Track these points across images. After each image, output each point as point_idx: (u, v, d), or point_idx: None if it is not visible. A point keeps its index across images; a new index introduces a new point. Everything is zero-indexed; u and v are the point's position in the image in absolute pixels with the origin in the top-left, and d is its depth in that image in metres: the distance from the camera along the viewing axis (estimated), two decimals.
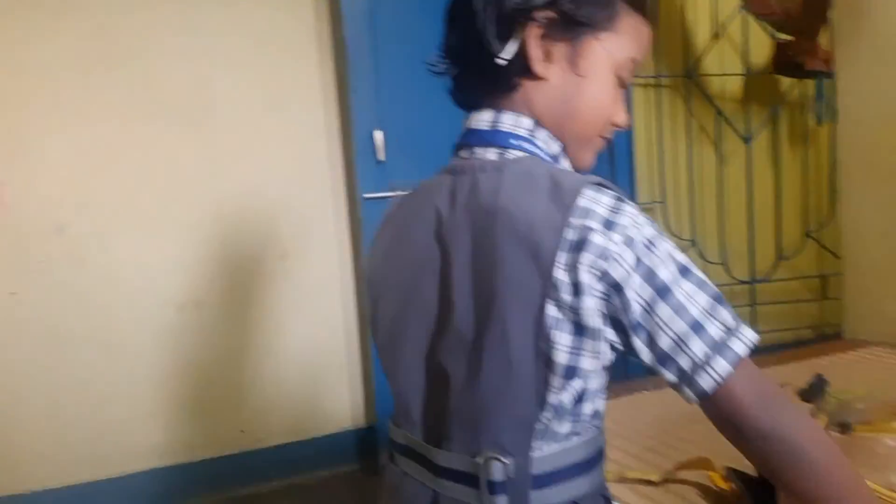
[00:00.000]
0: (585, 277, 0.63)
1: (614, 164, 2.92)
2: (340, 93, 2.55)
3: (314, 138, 2.55)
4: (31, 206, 2.19)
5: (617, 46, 0.74)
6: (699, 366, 0.63)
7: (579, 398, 0.69)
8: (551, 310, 0.65)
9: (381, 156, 2.46)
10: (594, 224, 0.64)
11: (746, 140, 3.19)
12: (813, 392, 1.25)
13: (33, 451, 2.22)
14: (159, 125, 2.32)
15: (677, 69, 3.07)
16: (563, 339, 0.66)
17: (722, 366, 0.63)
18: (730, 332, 0.64)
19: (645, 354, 0.65)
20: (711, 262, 3.18)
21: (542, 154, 0.75)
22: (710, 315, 0.64)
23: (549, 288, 0.64)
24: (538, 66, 0.73)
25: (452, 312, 0.70)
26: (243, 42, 2.43)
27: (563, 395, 0.68)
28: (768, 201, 3.29)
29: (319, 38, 2.53)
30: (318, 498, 2.42)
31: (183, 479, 2.38)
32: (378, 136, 2.45)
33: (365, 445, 2.62)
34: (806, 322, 3.30)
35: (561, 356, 0.66)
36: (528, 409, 0.67)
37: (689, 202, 3.16)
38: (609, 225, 0.64)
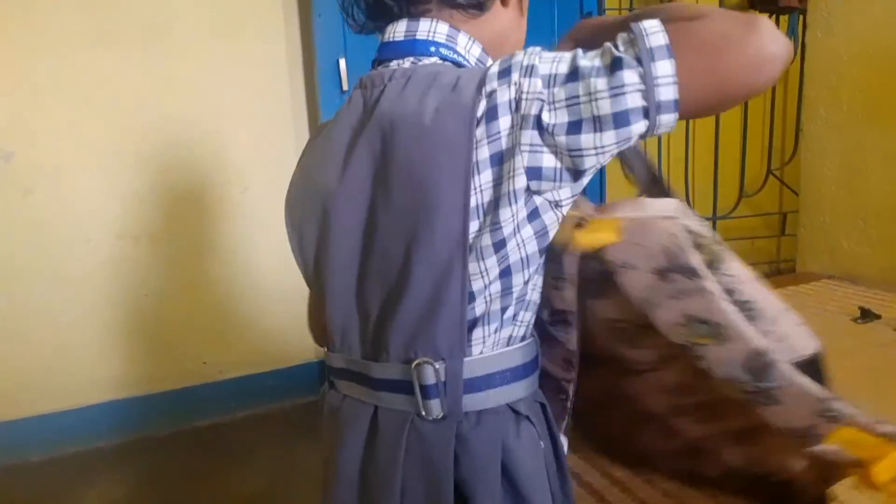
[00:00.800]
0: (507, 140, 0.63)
1: None
2: (303, 17, 2.44)
3: (275, 64, 2.45)
4: None
5: None
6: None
7: (508, 291, 0.69)
8: (474, 192, 0.64)
9: (347, 86, 2.38)
10: (496, 82, 0.63)
11: None
12: None
13: None
14: (109, 49, 2.20)
15: (650, 1, 3.00)
16: (492, 218, 0.64)
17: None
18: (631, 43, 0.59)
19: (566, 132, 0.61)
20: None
21: (462, 60, 0.73)
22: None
23: (469, 165, 0.63)
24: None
25: (376, 227, 0.70)
26: None
27: (490, 285, 0.67)
28: (735, 139, 3.30)
29: None
30: (279, 427, 2.44)
31: (143, 411, 2.38)
32: (343, 64, 2.36)
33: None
34: (764, 258, 3.38)
35: (485, 238, 0.65)
36: (456, 306, 0.67)
37: (656, 140, 3.15)
38: (505, 73, 0.63)
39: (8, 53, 2.09)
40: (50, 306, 2.24)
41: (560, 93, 0.60)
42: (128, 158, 2.28)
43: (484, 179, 0.64)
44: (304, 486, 1.95)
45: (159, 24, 2.26)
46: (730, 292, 0.71)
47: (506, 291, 0.69)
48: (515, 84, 0.62)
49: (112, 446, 2.31)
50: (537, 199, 0.64)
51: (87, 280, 2.28)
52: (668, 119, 0.60)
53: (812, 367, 0.74)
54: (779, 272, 3.28)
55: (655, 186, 0.91)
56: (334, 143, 0.74)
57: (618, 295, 0.72)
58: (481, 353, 0.71)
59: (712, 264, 0.71)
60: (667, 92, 0.58)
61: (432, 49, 0.72)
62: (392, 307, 0.70)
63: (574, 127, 0.60)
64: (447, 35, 0.73)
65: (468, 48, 0.74)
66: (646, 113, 0.59)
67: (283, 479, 2.08)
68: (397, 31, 0.74)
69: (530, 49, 0.65)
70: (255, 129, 2.44)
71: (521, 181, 0.62)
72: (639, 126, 0.60)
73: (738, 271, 0.73)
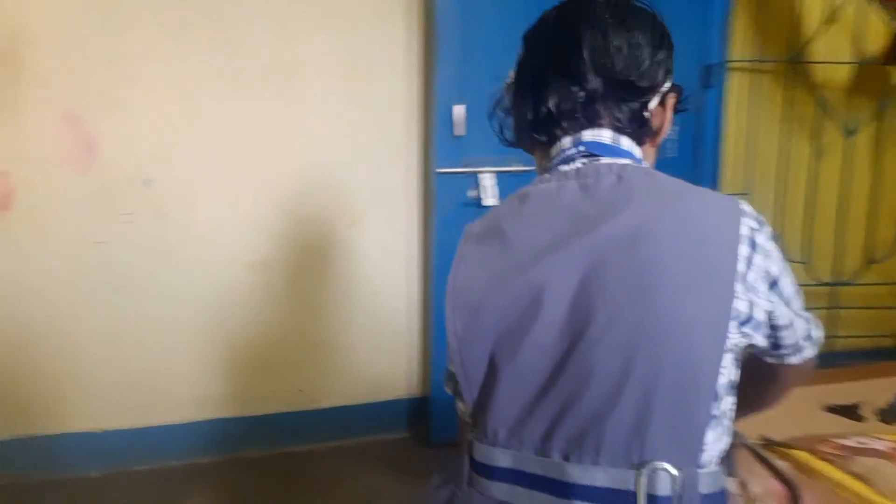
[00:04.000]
0: (755, 272, 0.70)
1: (699, 150, 2.78)
2: (425, 62, 2.50)
3: (393, 107, 2.52)
4: (121, 161, 2.27)
5: None
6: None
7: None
8: (735, 302, 0.68)
9: (460, 131, 2.41)
10: (755, 224, 0.72)
11: (850, 133, 2.97)
12: (894, 413, 1.19)
13: (102, 394, 2.35)
14: (241, 87, 2.35)
15: (780, 53, 2.87)
16: (735, 333, 0.69)
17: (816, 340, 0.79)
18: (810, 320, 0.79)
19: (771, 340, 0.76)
20: (794, 261, 3.03)
21: None
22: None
23: (734, 280, 0.68)
24: (663, 134, 0.84)
25: (600, 308, 0.67)
26: (330, 5, 2.40)
27: (726, 398, 0.69)
28: (862, 200, 3.08)
29: (408, 5, 2.48)
30: (366, 461, 2.48)
31: (240, 432, 2.48)
32: (458, 110, 2.39)
33: (417, 415, 2.66)
34: (889, 330, 3.12)
35: (731, 350, 0.69)
36: (702, 411, 0.63)
37: (775, 195, 2.99)
38: (762, 224, 0.73)
39: (154, 88, 2.27)
40: (170, 323, 2.38)
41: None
42: (249, 189, 2.41)
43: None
44: None
45: (288, 65, 2.38)
46: None
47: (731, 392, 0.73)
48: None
49: (209, 463, 2.42)
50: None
51: (205, 301, 2.41)
52: None
53: None
54: None
55: None
56: (545, 225, 0.73)
57: None
58: (710, 463, 0.65)
59: None
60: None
61: (636, 159, 0.81)
62: (619, 398, 0.64)
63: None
64: (640, 154, 0.83)
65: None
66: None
67: None
68: (602, 136, 0.80)
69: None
70: (369, 167, 2.52)
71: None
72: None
73: None
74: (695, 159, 2.76)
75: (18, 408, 2.29)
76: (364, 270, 2.53)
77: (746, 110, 2.90)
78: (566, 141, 0.80)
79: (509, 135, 0.87)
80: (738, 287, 0.67)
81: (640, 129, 0.80)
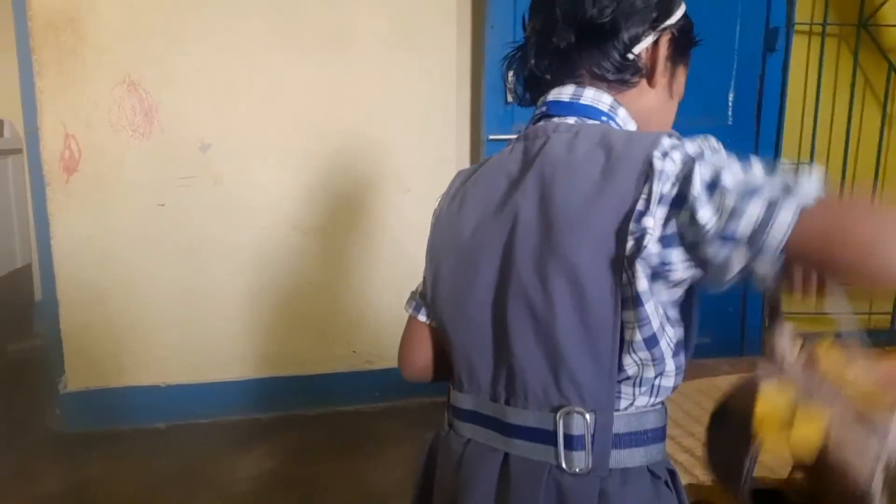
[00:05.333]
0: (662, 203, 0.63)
1: (760, 118, 2.69)
2: (475, 28, 2.49)
3: (444, 73, 2.53)
4: (179, 126, 2.35)
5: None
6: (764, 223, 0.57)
7: (653, 358, 0.68)
8: (630, 239, 0.64)
9: (511, 98, 2.40)
10: (662, 152, 0.64)
11: None
12: None
13: (167, 350, 2.47)
14: (295, 53, 2.39)
15: (849, 16, 2.74)
16: (639, 267, 0.64)
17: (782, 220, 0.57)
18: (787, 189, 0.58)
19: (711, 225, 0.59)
20: None
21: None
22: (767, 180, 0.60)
23: (627, 217, 0.64)
24: (659, 74, 0.78)
25: (514, 266, 0.71)
26: None
27: (636, 335, 0.66)
28: None
29: None
30: (414, 420, 2.54)
31: (296, 390, 2.58)
32: (511, 76, 2.37)
33: None
34: None
35: (639, 284, 0.64)
36: (607, 354, 0.67)
37: (841, 166, 2.88)
38: (675, 147, 0.64)
39: (210, 55, 2.33)
40: (226, 285, 2.48)
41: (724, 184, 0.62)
42: (302, 155, 2.46)
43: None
44: None
45: (341, 31, 2.41)
46: None
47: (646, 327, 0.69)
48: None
49: (267, 419, 2.53)
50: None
51: (260, 264, 2.49)
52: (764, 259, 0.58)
53: None
54: None
55: None
56: (488, 188, 0.77)
57: None
58: (628, 408, 0.70)
59: None
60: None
61: (603, 118, 0.76)
62: (531, 347, 0.70)
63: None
64: (610, 105, 0.77)
65: (625, 122, 0.78)
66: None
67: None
68: (563, 92, 0.78)
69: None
70: (419, 134, 2.54)
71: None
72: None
73: None
74: (756, 126, 2.68)
75: (89, 362, 2.43)
76: (414, 236, 2.55)
77: (811, 76, 2.79)
78: (539, 102, 0.82)
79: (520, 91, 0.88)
80: (633, 226, 0.64)
81: (620, 74, 0.76)
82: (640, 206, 0.64)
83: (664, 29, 0.77)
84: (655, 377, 0.71)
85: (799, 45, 2.74)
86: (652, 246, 0.63)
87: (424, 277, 0.86)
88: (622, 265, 0.65)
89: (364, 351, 2.64)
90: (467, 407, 0.79)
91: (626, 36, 0.75)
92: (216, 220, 2.43)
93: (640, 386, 0.71)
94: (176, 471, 2.18)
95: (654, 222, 0.63)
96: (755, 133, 2.67)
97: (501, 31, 2.36)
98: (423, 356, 0.88)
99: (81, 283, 2.37)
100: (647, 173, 0.64)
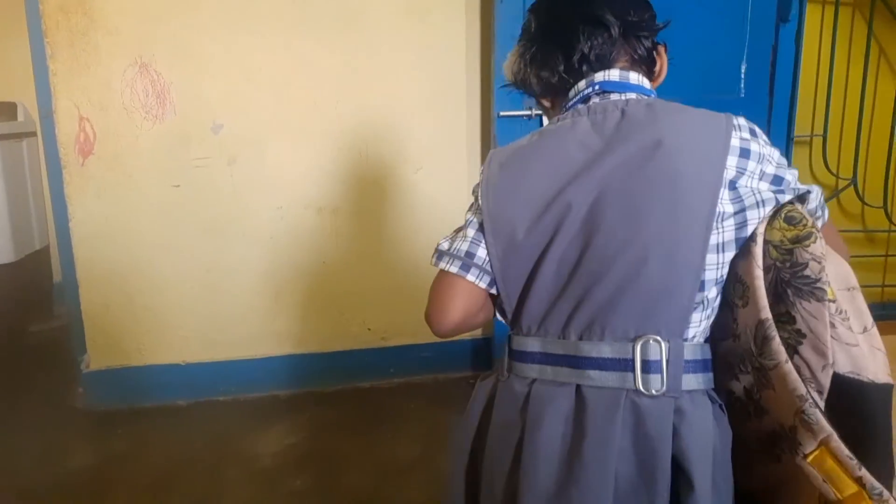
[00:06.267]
0: (747, 177, 0.83)
1: (773, 90, 2.67)
2: (485, 3, 2.48)
3: (455, 50, 2.52)
4: (192, 106, 2.37)
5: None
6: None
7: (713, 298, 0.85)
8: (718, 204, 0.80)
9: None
10: (746, 135, 0.84)
11: None
12: None
13: (187, 329, 2.52)
14: (307, 32, 2.39)
15: None
16: (725, 225, 0.82)
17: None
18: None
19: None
20: (870, 206, 2.91)
21: None
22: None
23: (719, 187, 0.80)
24: (659, 75, 0.99)
25: (604, 221, 0.83)
26: None
27: (713, 289, 0.84)
28: None
29: None
30: (431, 396, 2.58)
31: (314, 367, 2.62)
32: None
33: (480, 354, 2.74)
34: None
35: (726, 234, 0.82)
36: (686, 297, 0.81)
37: (854, 137, 2.86)
38: (755, 134, 0.85)
39: (221, 36, 2.34)
40: (243, 264, 2.51)
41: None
42: (316, 135, 2.47)
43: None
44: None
45: (353, 9, 2.40)
46: (801, 267, 0.77)
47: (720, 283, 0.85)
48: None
49: (286, 396, 2.58)
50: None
51: (276, 243, 2.52)
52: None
53: (877, 395, 0.75)
54: None
55: None
56: (561, 158, 0.88)
57: None
58: (694, 337, 0.84)
59: (798, 239, 0.78)
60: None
61: (651, 94, 0.95)
62: (625, 291, 0.81)
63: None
64: (649, 87, 0.97)
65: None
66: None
67: (433, 447, 2.20)
68: (611, 74, 0.94)
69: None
70: (432, 112, 2.54)
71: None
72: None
73: (830, 271, 0.78)
74: (769, 98, 2.65)
75: (111, 341, 2.47)
76: (427, 214, 2.58)
77: (825, 47, 2.76)
78: (581, 84, 0.95)
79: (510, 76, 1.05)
80: (725, 193, 0.81)
81: (650, 67, 0.98)
82: (729, 175, 0.82)
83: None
84: (711, 315, 0.86)
85: (812, 15, 2.71)
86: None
87: (481, 241, 0.92)
88: (718, 217, 0.81)
89: (379, 328, 2.68)
90: (534, 349, 0.88)
91: (654, 31, 0.97)
92: (232, 200, 2.45)
93: (703, 321, 0.84)
94: (199, 447, 2.23)
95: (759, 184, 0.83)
96: (768, 105, 2.64)
97: (511, 6, 2.34)
98: (459, 313, 0.93)
99: (100, 264, 2.41)
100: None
